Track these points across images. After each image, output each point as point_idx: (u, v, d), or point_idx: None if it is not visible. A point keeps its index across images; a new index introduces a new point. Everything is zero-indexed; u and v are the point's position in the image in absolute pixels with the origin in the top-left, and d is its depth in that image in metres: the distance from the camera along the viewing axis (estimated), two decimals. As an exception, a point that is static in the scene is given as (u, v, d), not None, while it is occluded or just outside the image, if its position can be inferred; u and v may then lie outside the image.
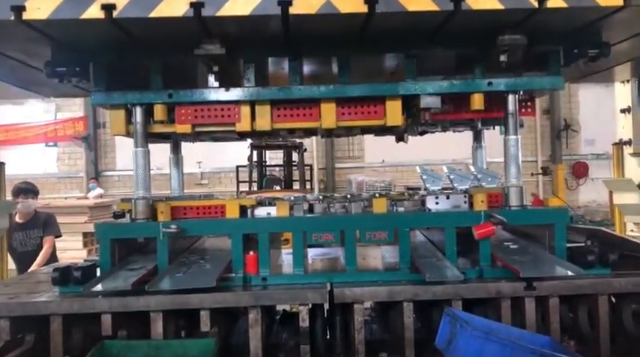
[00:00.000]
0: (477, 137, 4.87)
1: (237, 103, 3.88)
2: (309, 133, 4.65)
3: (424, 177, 4.46)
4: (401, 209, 4.05)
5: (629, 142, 5.74)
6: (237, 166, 16.48)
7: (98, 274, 3.73)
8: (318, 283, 3.65)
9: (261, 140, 14.81)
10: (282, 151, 16.41)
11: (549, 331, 3.49)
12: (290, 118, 3.96)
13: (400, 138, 4.76)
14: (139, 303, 3.42)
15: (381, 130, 4.40)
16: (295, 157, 15.82)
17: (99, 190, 18.27)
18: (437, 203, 4.05)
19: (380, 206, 3.92)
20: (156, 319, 3.42)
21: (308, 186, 16.49)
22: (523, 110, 4.21)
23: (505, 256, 3.72)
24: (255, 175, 15.97)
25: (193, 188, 20.17)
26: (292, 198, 4.39)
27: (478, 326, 3.36)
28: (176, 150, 4.93)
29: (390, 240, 3.83)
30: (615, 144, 6.04)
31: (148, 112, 3.93)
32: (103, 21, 3.11)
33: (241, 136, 4.33)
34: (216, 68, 3.59)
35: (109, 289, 3.42)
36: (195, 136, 4.37)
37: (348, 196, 4.35)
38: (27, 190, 7.34)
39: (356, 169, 22.01)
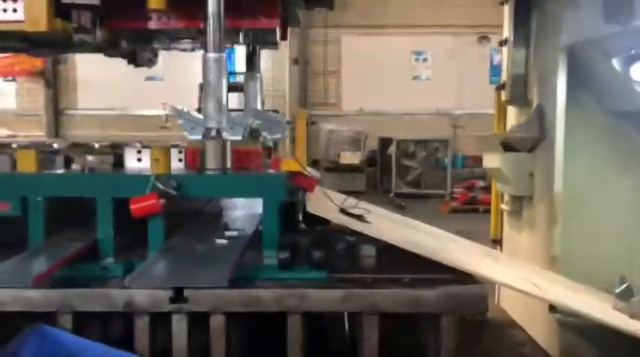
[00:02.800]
0: (249, 63, 3.40)
1: None
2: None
3: (181, 122, 3.14)
4: (75, 167, 2.71)
5: (504, 87, 4.20)
6: (200, 108, 15.26)
7: None
8: None
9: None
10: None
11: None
12: None
13: (133, 59, 3.30)
14: None
15: (34, 43, 2.93)
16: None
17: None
18: (139, 161, 2.70)
19: (28, 163, 2.55)
20: None
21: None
22: (262, 18, 2.76)
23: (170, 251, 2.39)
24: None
25: (158, 131, 19.00)
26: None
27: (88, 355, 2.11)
28: None
29: (17, 213, 2.49)
30: (498, 88, 4.48)
31: None
32: None
33: None
34: None
35: None
36: None
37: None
38: None
39: (332, 118, 20.59)
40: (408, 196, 12.50)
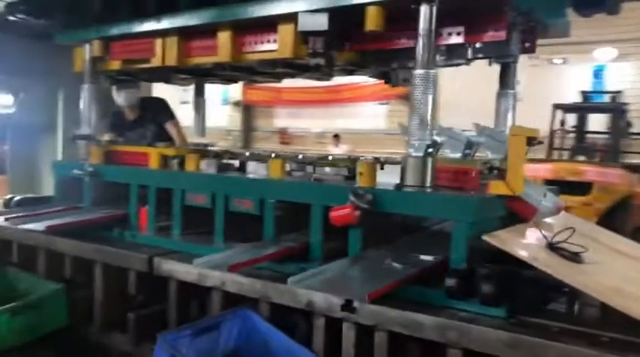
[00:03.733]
0: (502, 78, 3.16)
1: (152, 35, 3.48)
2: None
3: (443, 139, 3.24)
4: (318, 176, 3.03)
5: None
6: (552, 131, 14.69)
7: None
8: (168, 251, 3.08)
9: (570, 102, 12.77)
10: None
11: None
12: (195, 52, 3.36)
13: (387, 79, 3.41)
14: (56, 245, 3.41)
15: (290, 67, 3.23)
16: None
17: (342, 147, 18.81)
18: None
19: (275, 170, 3.00)
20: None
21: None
22: (489, 32, 2.60)
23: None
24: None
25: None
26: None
27: (273, 343, 2.41)
28: (199, 92, 4.59)
29: (256, 212, 2.91)
30: None
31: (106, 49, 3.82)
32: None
33: (164, 72, 3.81)
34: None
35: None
36: (156, 75, 4.06)
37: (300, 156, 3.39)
38: None
39: None
40: None
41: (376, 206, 2.44)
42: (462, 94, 15.43)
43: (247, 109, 24.19)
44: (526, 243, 2.20)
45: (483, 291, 2.04)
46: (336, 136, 18.06)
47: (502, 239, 2.12)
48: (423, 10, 2.45)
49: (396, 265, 2.30)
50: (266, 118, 24.59)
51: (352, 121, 20.25)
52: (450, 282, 2.10)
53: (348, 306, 2.25)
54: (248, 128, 24.59)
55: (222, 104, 23.66)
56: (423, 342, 2.16)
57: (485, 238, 2.11)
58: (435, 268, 2.31)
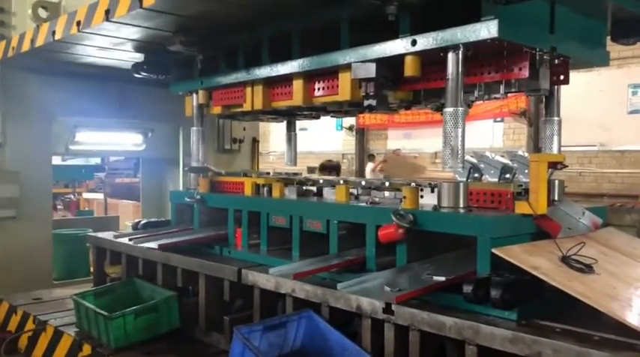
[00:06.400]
0: (546, 106, 3.47)
1: (242, 84, 4.17)
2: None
3: (481, 166, 3.65)
4: (373, 200, 3.52)
5: None
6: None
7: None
8: (255, 264, 3.68)
9: None
10: None
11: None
12: (276, 97, 4.00)
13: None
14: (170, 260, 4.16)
15: (354, 106, 3.74)
16: None
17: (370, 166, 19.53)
18: (422, 197, 3.33)
19: (340, 195, 3.54)
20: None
21: None
22: (513, 70, 2.94)
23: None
24: None
25: (640, 168, 18.09)
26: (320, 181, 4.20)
27: (331, 340, 2.92)
28: (290, 128, 5.26)
29: (324, 230, 3.44)
30: None
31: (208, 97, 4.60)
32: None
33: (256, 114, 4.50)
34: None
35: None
36: (254, 116, 4.76)
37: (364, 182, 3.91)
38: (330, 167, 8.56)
39: None
40: None
41: (417, 225, 2.87)
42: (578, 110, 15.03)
43: (361, 133, 24.86)
44: (540, 256, 2.52)
45: (492, 296, 2.40)
46: (371, 156, 19.56)
47: (512, 252, 2.47)
48: (450, 56, 2.87)
49: (427, 277, 2.72)
50: (379, 141, 25.11)
51: (467, 140, 20.17)
52: (467, 288, 2.48)
53: (388, 309, 2.70)
54: (362, 151, 25.23)
55: (336, 130, 24.63)
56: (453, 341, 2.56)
57: (494, 251, 2.48)
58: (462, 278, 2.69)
